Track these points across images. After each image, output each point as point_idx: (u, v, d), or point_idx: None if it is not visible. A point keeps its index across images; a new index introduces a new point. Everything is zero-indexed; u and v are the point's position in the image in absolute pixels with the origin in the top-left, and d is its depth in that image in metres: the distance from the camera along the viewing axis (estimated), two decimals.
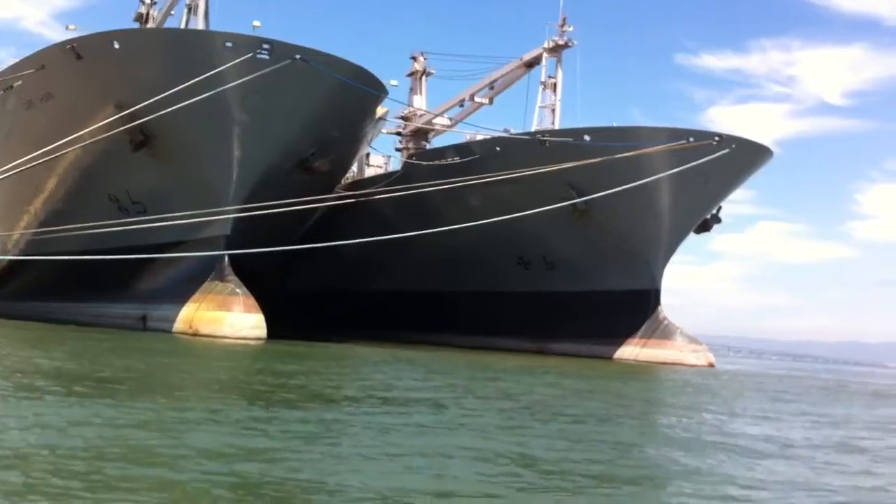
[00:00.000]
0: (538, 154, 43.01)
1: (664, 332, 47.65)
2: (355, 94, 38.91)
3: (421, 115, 62.68)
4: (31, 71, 40.82)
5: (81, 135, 35.86)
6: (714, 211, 48.00)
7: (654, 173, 41.14)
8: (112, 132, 36.33)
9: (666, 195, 43.68)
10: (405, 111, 62.32)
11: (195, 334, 36.32)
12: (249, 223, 36.92)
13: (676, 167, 41.16)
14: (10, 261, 49.39)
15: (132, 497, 6.96)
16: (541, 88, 54.34)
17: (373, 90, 40.55)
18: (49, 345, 25.11)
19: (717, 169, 42.18)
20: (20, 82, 41.76)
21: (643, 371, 38.60)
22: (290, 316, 55.09)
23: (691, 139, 41.89)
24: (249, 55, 35.30)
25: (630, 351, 47.80)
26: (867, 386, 47.75)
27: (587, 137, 43.32)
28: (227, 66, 34.97)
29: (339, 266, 54.16)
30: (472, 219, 37.08)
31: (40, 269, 44.61)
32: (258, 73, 35.13)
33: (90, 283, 42.38)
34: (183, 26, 47.25)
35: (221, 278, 37.86)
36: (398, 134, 63.80)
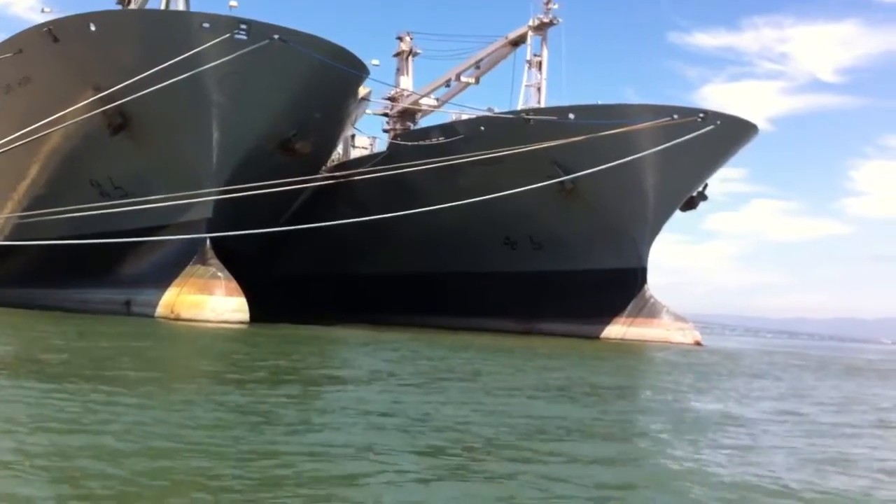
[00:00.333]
0: (523, 133, 42.77)
1: (651, 311, 47.60)
2: (336, 75, 38.53)
3: (407, 96, 62.32)
4: (8, 55, 40.38)
5: (60, 118, 35.60)
6: (700, 188, 47.81)
7: (639, 151, 40.89)
8: (90, 114, 36.08)
9: (651, 173, 43.47)
10: (392, 92, 61.95)
11: (177, 319, 36.14)
12: (232, 206, 36.60)
13: (661, 144, 40.92)
14: None
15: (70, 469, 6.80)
16: (526, 67, 53.97)
17: (354, 70, 40.17)
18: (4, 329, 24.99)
19: (702, 145, 41.94)
20: None
21: (626, 350, 38.54)
22: (279, 300, 55.07)
23: (675, 116, 41.65)
24: (227, 35, 34.94)
25: (617, 330, 47.74)
26: (853, 361, 47.78)
27: (571, 115, 43.05)
28: (205, 46, 34.60)
29: (326, 249, 53.94)
30: (458, 199, 36.81)
31: (25, 256, 44.39)
32: (236, 54, 34.77)
33: (74, 269, 42.22)
34: (164, 7, 46.79)
35: (203, 262, 37.65)
36: (385, 115, 63.46)
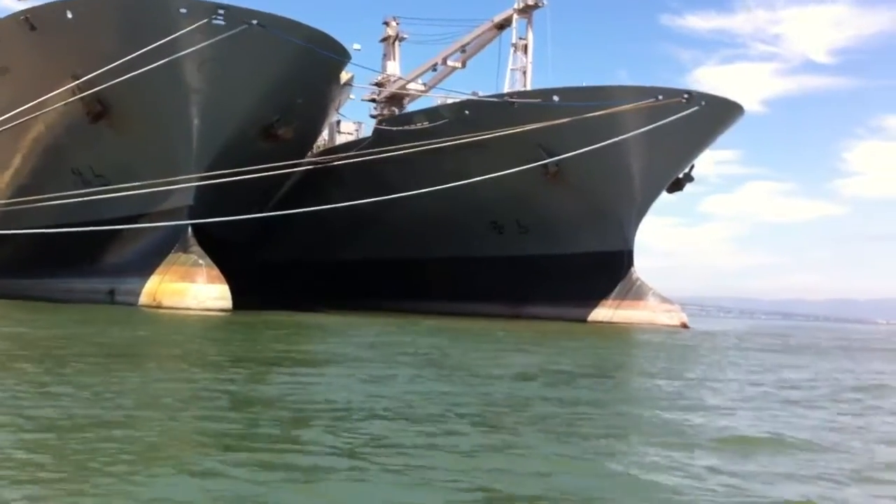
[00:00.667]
0: (507, 116, 42.59)
1: (637, 293, 47.55)
2: (316, 60, 38.24)
3: (394, 81, 62.01)
4: None
5: (39, 107, 35.34)
6: (686, 169, 47.66)
7: (624, 132, 40.72)
8: (69, 100, 35.83)
9: (636, 154, 43.30)
10: (379, 77, 61.66)
11: (159, 307, 36.00)
12: (215, 194, 36.44)
13: (646, 126, 40.75)
14: None
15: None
16: (511, 50, 53.61)
17: (335, 55, 39.87)
18: None
19: (687, 126, 41.76)
20: None
21: (610, 332, 38.50)
22: (267, 287, 55.03)
23: (660, 97, 41.40)
24: (205, 21, 34.61)
25: (604, 313, 47.69)
26: (836, 342, 47.79)
27: (556, 98, 42.82)
28: (182, 32, 34.31)
29: (314, 236, 53.79)
30: (444, 184, 36.66)
31: (9, 246, 44.19)
32: (214, 40, 34.47)
33: (59, 259, 42.13)
34: None
35: (185, 249, 37.47)
36: (373, 101, 63.15)
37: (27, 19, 37.86)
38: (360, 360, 17.17)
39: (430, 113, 47.78)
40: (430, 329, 31.72)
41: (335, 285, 55.81)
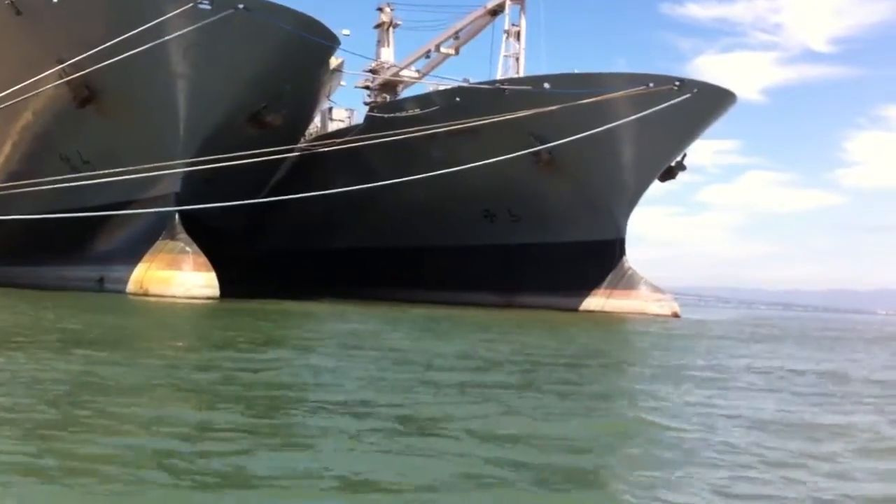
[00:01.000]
0: (498, 103, 42.26)
1: (629, 283, 47.34)
2: (305, 45, 37.86)
3: (388, 68, 61.60)
4: None
5: (25, 89, 34.97)
6: (679, 158, 47.34)
7: (615, 120, 40.37)
8: (54, 83, 35.50)
9: (628, 142, 43.01)
10: (372, 64, 61.25)
11: (146, 294, 35.80)
12: (204, 181, 36.14)
13: (638, 113, 40.41)
14: None
15: None
16: (504, 37, 53.27)
17: (323, 40, 39.51)
18: None
19: (679, 114, 41.41)
20: None
21: (598, 321, 38.33)
22: (260, 275, 54.86)
23: (651, 84, 41.04)
24: (190, 5, 34.24)
25: (596, 302, 47.49)
26: (825, 332, 47.69)
27: (547, 85, 42.48)
28: (168, 16, 33.93)
29: (306, 224, 53.58)
30: (434, 171, 36.30)
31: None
32: (200, 24, 34.13)
33: (50, 246, 41.89)
34: None
35: (172, 237, 37.24)
36: (367, 88, 62.77)
37: (12, 3, 37.42)
38: (328, 346, 17.03)
39: (422, 100, 47.46)
40: (417, 318, 31.49)
41: (328, 273, 55.58)
